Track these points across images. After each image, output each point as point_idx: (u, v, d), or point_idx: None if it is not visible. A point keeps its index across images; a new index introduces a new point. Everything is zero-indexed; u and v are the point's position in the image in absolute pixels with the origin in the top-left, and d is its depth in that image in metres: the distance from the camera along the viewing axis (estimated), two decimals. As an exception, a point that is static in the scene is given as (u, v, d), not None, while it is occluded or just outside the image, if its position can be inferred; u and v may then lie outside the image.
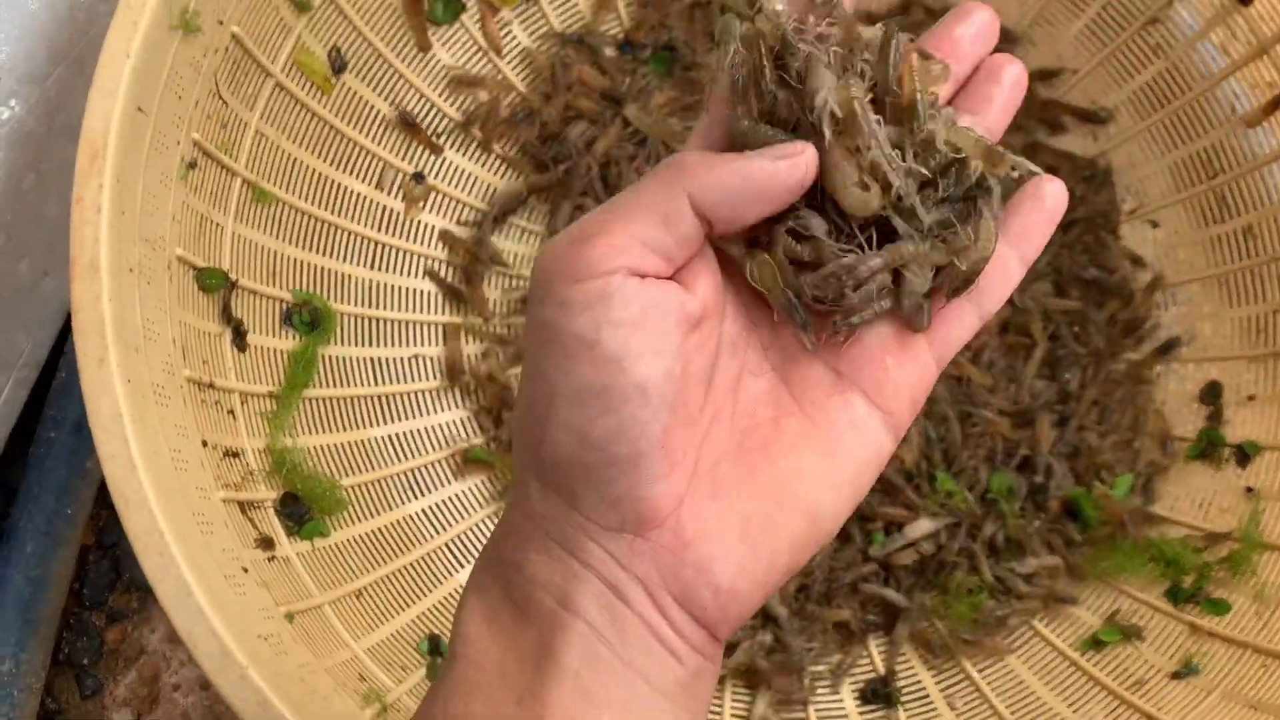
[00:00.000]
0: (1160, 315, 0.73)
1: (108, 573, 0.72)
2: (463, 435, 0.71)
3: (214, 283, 0.59)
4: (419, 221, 0.73)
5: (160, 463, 0.50)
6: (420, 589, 0.64)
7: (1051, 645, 0.66)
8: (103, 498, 0.72)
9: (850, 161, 0.31)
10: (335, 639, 0.57)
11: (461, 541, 0.68)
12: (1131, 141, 0.75)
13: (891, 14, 0.76)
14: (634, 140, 0.74)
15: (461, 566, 0.67)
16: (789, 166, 0.31)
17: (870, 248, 0.32)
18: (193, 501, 0.52)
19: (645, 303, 0.29)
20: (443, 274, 0.73)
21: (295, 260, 0.66)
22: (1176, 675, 0.61)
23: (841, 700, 0.66)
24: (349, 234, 0.69)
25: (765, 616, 0.67)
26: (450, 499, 0.69)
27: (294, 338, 0.65)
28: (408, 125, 0.71)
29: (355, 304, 0.69)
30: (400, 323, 0.71)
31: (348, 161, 0.69)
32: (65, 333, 0.70)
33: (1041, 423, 0.70)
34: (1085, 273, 0.73)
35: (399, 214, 0.72)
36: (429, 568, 0.66)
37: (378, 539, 0.64)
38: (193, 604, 0.47)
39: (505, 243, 0.75)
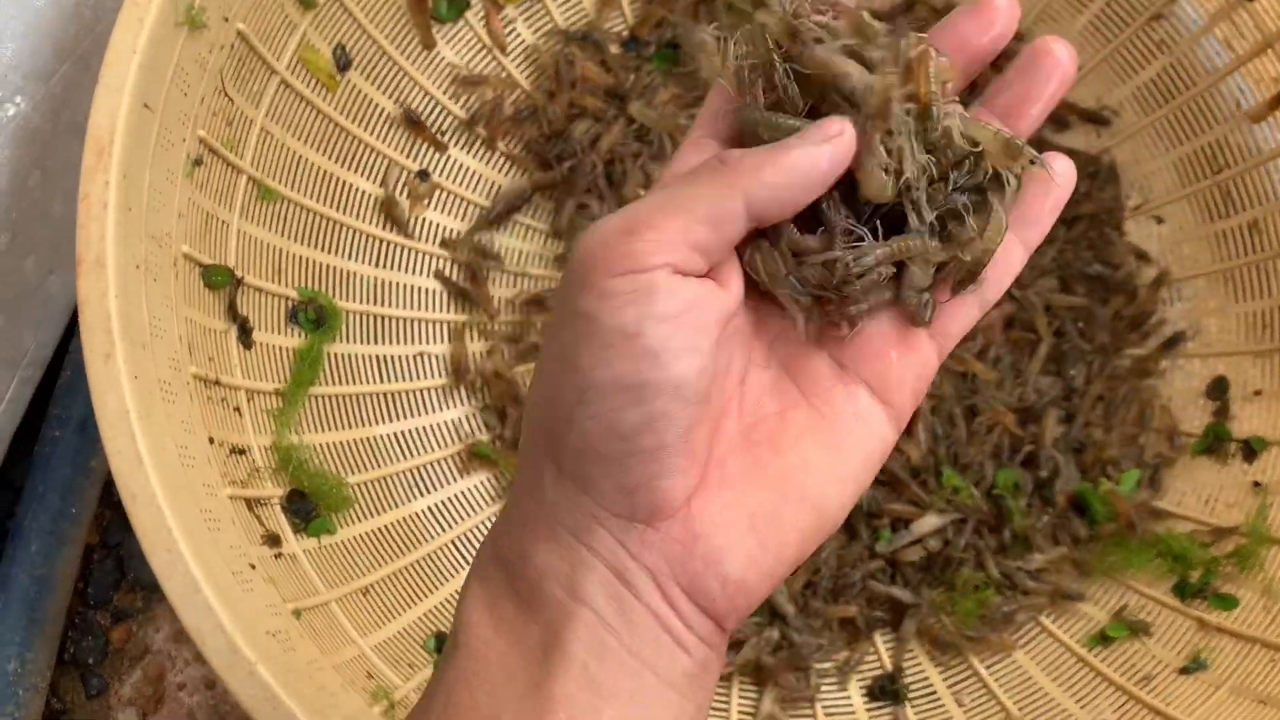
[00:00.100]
0: (1165, 311, 0.73)
1: (112, 572, 0.72)
2: (468, 432, 0.71)
3: (220, 280, 0.59)
4: (424, 219, 0.73)
5: (167, 459, 0.50)
6: (426, 586, 0.64)
7: (1059, 641, 0.66)
8: (107, 497, 0.72)
9: (878, 147, 0.31)
10: (343, 636, 0.57)
11: (467, 539, 0.68)
12: (1136, 137, 0.75)
13: (895, 12, 0.76)
14: (638, 137, 0.74)
15: (467, 564, 0.67)
16: (832, 150, 0.31)
17: (875, 239, 0.32)
18: (200, 498, 0.52)
19: (688, 299, 0.29)
20: (448, 272, 0.73)
21: (300, 258, 0.66)
22: (1185, 671, 0.61)
23: (849, 697, 0.66)
24: (354, 231, 0.69)
25: (772, 613, 0.67)
26: (456, 496, 0.69)
27: (300, 335, 0.65)
28: (412, 123, 0.71)
29: (360, 301, 0.69)
30: (405, 320, 0.71)
31: (352, 159, 0.69)
32: (70, 332, 0.70)
33: (1047, 417, 0.70)
34: (1090, 268, 0.73)
35: (404, 211, 0.72)
36: (435, 565, 0.66)
37: (384, 536, 0.64)
38: (201, 600, 0.47)
39: (509, 240, 0.75)
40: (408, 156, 0.72)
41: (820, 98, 0.33)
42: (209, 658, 0.47)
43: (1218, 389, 0.70)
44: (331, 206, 0.68)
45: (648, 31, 0.76)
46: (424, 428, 0.70)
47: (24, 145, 0.60)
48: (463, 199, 0.74)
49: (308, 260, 0.66)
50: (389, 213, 0.71)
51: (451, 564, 0.66)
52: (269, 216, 0.64)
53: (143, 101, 0.52)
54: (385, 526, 0.65)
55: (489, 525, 0.69)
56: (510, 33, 0.74)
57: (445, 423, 0.70)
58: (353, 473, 0.65)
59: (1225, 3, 0.69)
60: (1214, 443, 0.69)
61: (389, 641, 0.59)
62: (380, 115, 0.70)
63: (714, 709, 0.65)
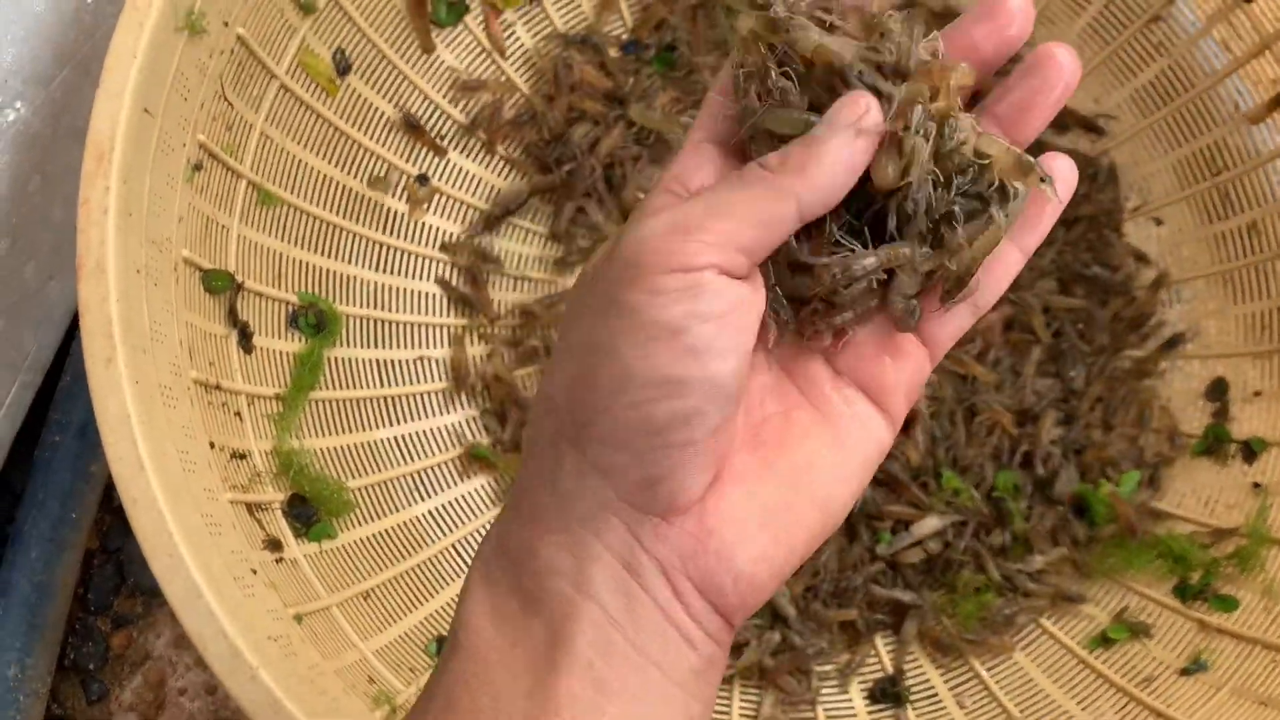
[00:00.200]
0: (1165, 312, 0.73)
1: (112, 577, 0.72)
2: (469, 436, 0.71)
3: (220, 284, 0.59)
4: (423, 223, 0.73)
5: (168, 464, 0.50)
6: (427, 590, 0.64)
7: (1060, 643, 0.66)
8: (107, 502, 0.72)
9: (893, 146, 0.31)
10: (344, 640, 0.57)
11: (468, 543, 0.68)
12: (1135, 139, 0.75)
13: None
14: (638, 140, 0.74)
15: (468, 568, 0.67)
16: (867, 134, 0.31)
17: (864, 246, 0.32)
18: (201, 503, 0.51)
19: (733, 300, 0.30)
20: (448, 276, 0.73)
21: (300, 262, 0.66)
22: (1185, 672, 0.61)
23: (850, 699, 0.66)
24: (353, 235, 0.69)
25: (774, 616, 0.67)
26: (457, 500, 0.69)
27: (300, 340, 0.65)
28: (412, 127, 0.71)
29: (360, 306, 0.69)
30: (405, 324, 0.71)
31: (352, 163, 0.69)
32: (70, 336, 0.70)
33: (1045, 417, 0.70)
34: (1089, 270, 0.73)
35: (403, 215, 0.72)
36: (436, 569, 0.66)
37: (385, 541, 0.64)
38: (202, 605, 0.47)
39: (509, 244, 0.75)
40: (407, 161, 0.72)
41: (820, 93, 0.33)
42: (210, 663, 0.47)
43: (1217, 390, 0.70)
44: (331, 210, 0.68)
45: (647, 34, 0.76)
46: (424, 432, 0.70)
47: (24, 150, 0.60)
48: (462, 203, 0.74)
49: (308, 264, 0.66)
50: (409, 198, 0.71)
51: (452, 568, 0.66)
52: (269, 221, 0.64)
53: (143, 106, 0.52)
54: (386, 531, 0.65)
55: (489, 529, 0.69)
56: (509, 36, 0.74)
57: (446, 427, 0.70)
58: (353, 477, 0.65)
59: (1223, 5, 0.69)
60: (1214, 444, 0.69)
61: (390, 646, 0.59)
62: (380, 119, 0.70)
63: (715, 712, 0.65)
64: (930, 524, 0.67)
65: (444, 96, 0.73)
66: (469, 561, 0.67)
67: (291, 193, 0.65)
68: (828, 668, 0.67)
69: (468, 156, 0.74)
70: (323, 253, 0.67)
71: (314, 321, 0.66)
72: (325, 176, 0.67)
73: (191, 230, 0.57)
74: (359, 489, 0.64)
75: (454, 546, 0.67)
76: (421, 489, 0.68)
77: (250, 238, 0.62)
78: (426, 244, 0.73)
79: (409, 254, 0.72)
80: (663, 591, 0.30)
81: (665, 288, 0.29)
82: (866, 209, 0.32)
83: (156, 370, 0.52)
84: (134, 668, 0.71)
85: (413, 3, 0.69)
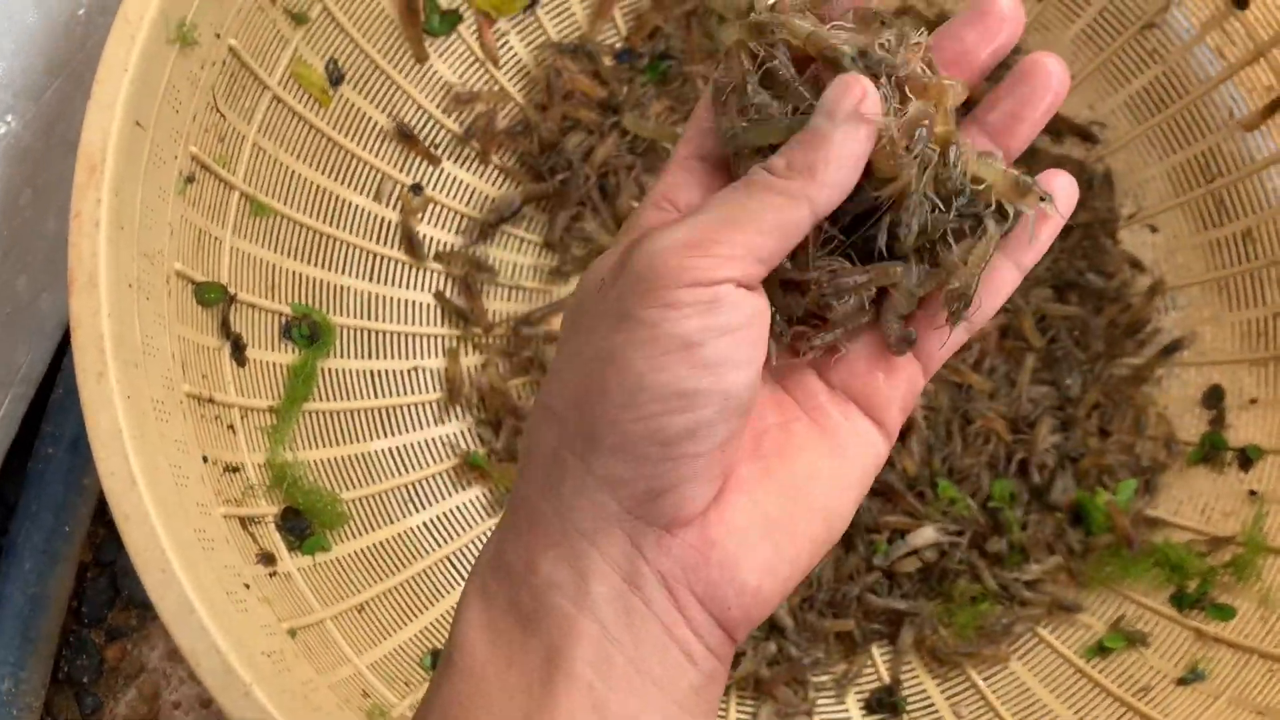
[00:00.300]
0: (1160, 319, 0.73)
1: (106, 590, 0.72)
2: (463, 447, 0.71)
3: (213, 297, 0.59)
4: (417, 233, 0.72)
5: (160, 479, 0.49)
6: (422, 603, 0.64)
7: (1057, 652, 0.65)
8: (100, 515, 0.72)
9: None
10: (338, 654, 0.56)
11: (462, 554, 0.68)
12: (1130, 146, 0.75)
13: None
14: (632, 149, 0.74)
15: (462, 580, 0.67)
16: (869, 128, 0.30)
17: (855, 261, 0.32)
18: (193, 517, 0.51)
19: (749, 313, 0.30)
20: (441, 285, 0.73)
21: (294, 273, 0.66)
22: (1182, 681, 0.61)
23: (847, 710, 0.66)
24: (347, 246, 0.69)
25: (770, 626, 0.66)
26: (451, 511, 0.69)
27: (293, 351, 0.65)
28: (405, 137, 0.71)
29: (354, 316, 0.69)
30: (399, 334, 0.71)
31: (345, 174, 0.69)
32: (63, 349, 0.70)
33: (1040, 424, 0.69)
34: (1084, 278, 0.73)
35: (397, 225, 0.72)
36: (430, 581, 0.65)
37: (379, 553, 0.64)
38: (195, 621, 0.47)
39: (502, 253, 0.74)
40: (401, 170, 0.72)
41: (811, 95, 0.32)
42: (203, 679, 0.46)
43: (1213, 398, 0.70)
44: (324, 221, 0.68)
45: (640, 43, 0.76)
46: (419, 443, 0.69)
47: (15, 163, 0.60)
48: (456, 212, 0.74)
49: (301, 275, 0.66)
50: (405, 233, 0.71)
51: (447, 579, 0.66)
52: (262, 232, 0.64)
53: (134, 119, 0.52)
54: (380, 543, 0.64)
55: (484, 540, 0.68)
56: (503, 46, 0.74)
57: (440, 437, 0.70)
58: (347, 489, 0.64)
59: (1217, 11, 0.69)
60: (1210, 451, 0.69)
61: (385, 659, 0.59)
62: (373, 129, 0.70)
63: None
64: (926, 534, 0.67)
65: (438, 106, 0.73)
66: (464, 573, 0.67)
67: (284, 204, 0.65)
68: (824, 678, 0.67)
69: (462, 166, 0.74)
70: (316, 263, 0.67)
71: (307, 333, 0.65)
72: (318, 187, 0.67)
73: (183, 242, 0.57)
74: (353, 501, 0.64)
75: (449, 558, 0.67)
76: (416, 500, 0.68)
77: (243, 249, 0.62)
78: (406, 249, 0.72)
79: (402, 264, 0.72)
80: (664, 605, 0.30)
81: (682, 302, 0.29)
82: (859, 225, 0.32)
83: (149, 384, 0.52)
84: (128, 680, 0.70)
85: (406, 13, 0.69)
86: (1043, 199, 0.32)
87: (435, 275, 0.73)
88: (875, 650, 0.68)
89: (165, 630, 0.47)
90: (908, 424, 0.69)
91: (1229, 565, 0.63)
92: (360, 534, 0.64)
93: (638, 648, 0.30)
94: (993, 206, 0.32)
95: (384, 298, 0.71)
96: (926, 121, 0.31)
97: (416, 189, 0.72)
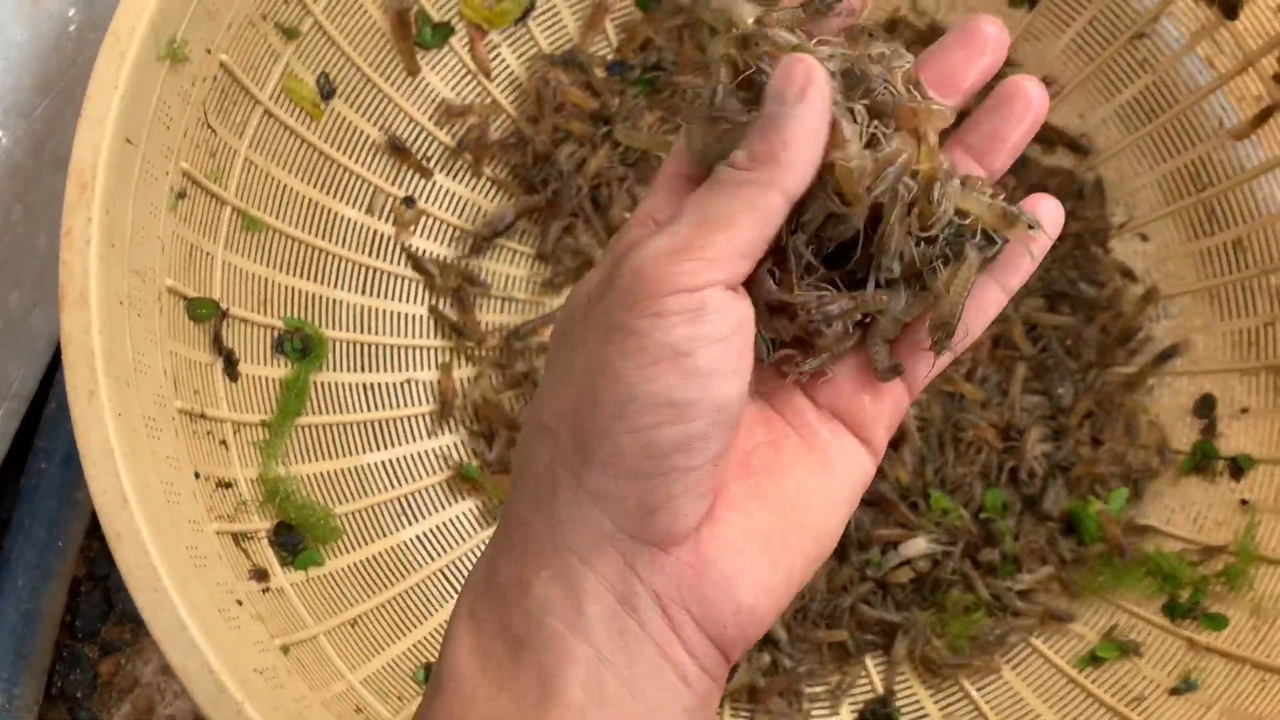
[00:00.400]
0: (1152, 328, 0.73)
1: (99, 604, 0.72)
2: (456, 459, 0.71)
3: (205, 312, 0.59)
4: (410, 245, 0.73)
5: (152, 496, 0.49)
6: (415, 616, 0.64)
7: (1050, 662, 0.66)
8: (94, 529, 0.71)
9: (849, 135, 0.31)
10: (331, 670, 0.56)
11: (456, 567, 0.68)
12: (1120, 155, 0.75)
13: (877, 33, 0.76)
14: (624, 161, 0.74)
15: (456, 593, 0.66)
16: (821, 101, 0.30)
17: (840, 287, 0.33)
18: (185, 535, 0.51)
19: (735, 321, 0.30)
20: (436, 301, 0.73)
21: (286, 287, 0.66)
22: (1175, 691, 0.61)
23: (841, 721, 0.66)
24: (339, 259, 0.69)
25: (765, 638, 0.66)
26: (444, 524, 0.69)
27: (286, 365, 0.65)
28: (397, 150, 0.71)
29: (347, 329, 0.69)
30: (392, 347, 0.71)
31: (338, 187, 0.69)
32: (55, 364, 0.70)
33: (1030, 432, 0.70)
34: (1075, 288, 0.73)
35: (389, 238, 0.72)
36: (424, 594, 0.65)
37: (372, 567, 0.64)
38: (187, 639, 0.46)
39: (495, 265, 0.75)
40: (393, 183, 0.72)
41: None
42: (195, 697, 0.46)
43: (1205, 406, 0.70)
44: (317, 235, 0.68)
45: (632, 54, 0.76)
46: (412, 455, 0.69)
47: (6, 180, 0.60)
48: (449, 224, 0.74)
49: (293, 289, 0.66)
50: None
51: (440, 593, 0.66)
52: (254, 247, 0.64)
53: (125, 136, 0.52)
54: (374, 556, 0.64)
55: (478, 553, 0.68)
56: (495, 58, 0.74)
57: (433, 450, 0.70)
58: (340, 503, 0.64)
59: (1206, 22, 0.69)
60: (1202, 461, 0.69)
61: (378, 674, 0.59)
62: (365, 143, 0.70)
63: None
64: (918, 545, 0.67)
65: (430, 119, 0.73)
66: (458, 586, 0.67)
67: (276, 218, 0.65)
68: (818, 689, 0.67)
69: (454, 178, 0.74)
70: (308, 277, 0.67)
71: (300, 346, 0.65)
72: (310, 201, 0.67)
73: (175, 258, 0.57)
74: (346, 515, 0.64)
75: (442, 571, 0.67)
76: (409, 513, 0.68)
77: (235, 264, 0.62)
78: (413, 266, 0.72)
79: (395, 276, 0.72)
80: (659, 626, 0.30)
81: (669, 310, 0.29)
82: (845, 252, 0.32)
83: (140, 401, 0.52)
84: (122, 695, 0.70)
85: (397, 26, 0.69)
86: (1031, 227, 0.32)
87: (429, 288, 0.73)
88: (869, 661, 0.68)
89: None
90: (901, 434, 0.69)
91: (1221, 574, 0.64)
92: (353, 548, 0.64)
93: (631, 670, 0.30)
94: (978, 235, 0.32)
95: (376, 310, 0.71)
96: (901, 159, 0.31)
97: (409, 201, 0.72)
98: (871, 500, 0.68)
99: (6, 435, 0.67)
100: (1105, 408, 0.71)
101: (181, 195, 0.57)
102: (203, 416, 0.57)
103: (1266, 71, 0.67)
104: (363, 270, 0.70)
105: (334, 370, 0.68)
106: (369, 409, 0.69)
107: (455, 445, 0.71)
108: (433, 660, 0.62)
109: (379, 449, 0.68)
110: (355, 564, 0.63)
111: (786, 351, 0.33)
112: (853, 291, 0.32)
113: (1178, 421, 0.71)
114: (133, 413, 0.50)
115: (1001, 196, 0.32)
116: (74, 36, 0.62)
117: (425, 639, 0.63)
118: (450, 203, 0.74)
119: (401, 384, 0.70)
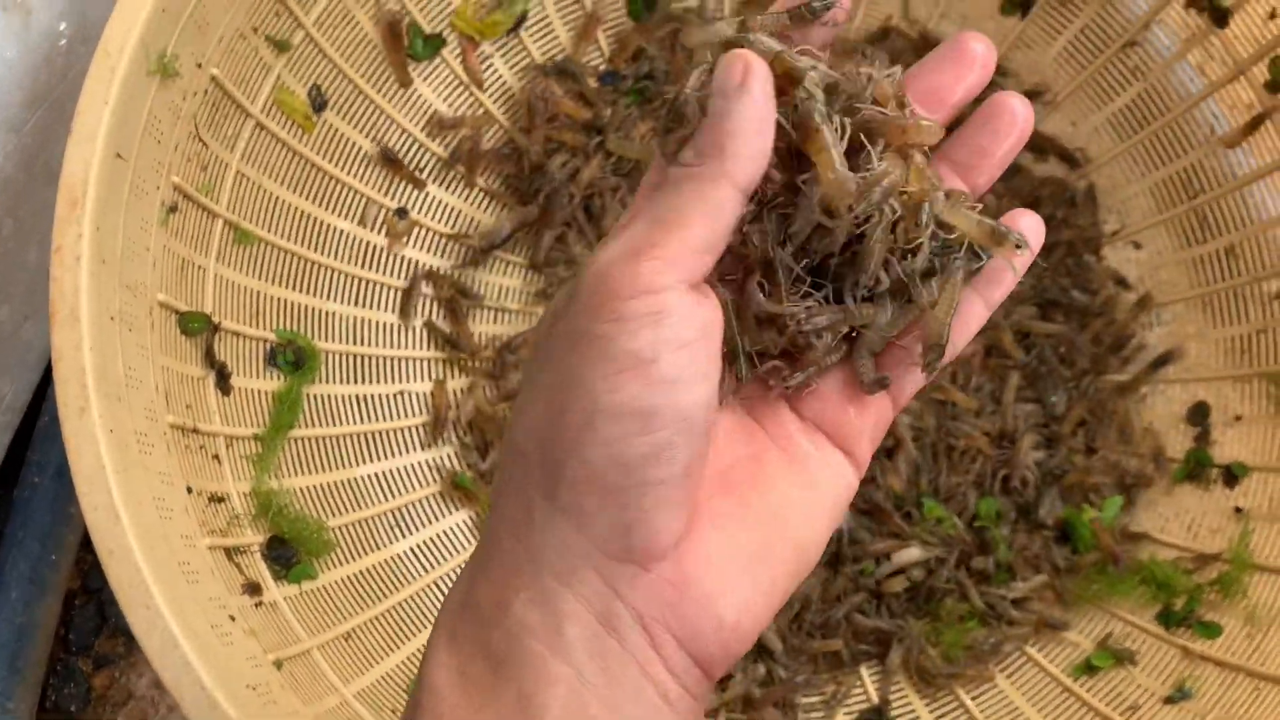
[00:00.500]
0: (1145, 335, 0.73)
1: (93, 618, 0.71)
2: (450, 471, 0.70)
3: (197, 326, 0.59)
4: (402, 256, 0.72)
5: (144, 512, 0.49)
6: (409, 629, 0.64)
7: (1045, 671, 0.65)
8: (88, 542, 0.71)
9: (830, 144, 0.31)
10: (325, 684, 0.56)
11: (450, 580, 0.67)
12: (1112, 163, 0.75)
13: (870, 41, 0.76)
14: (616, 171, 0.74)
15: (434, 622, 0.66)
16: (762, 89, 0.30)
17: (827, 300, 0.33)
18: (178, 550, 0.51)
19: (699, 326, 0.29)
20: (426, 309, 0.73)
21: (278, 300, 0.66)
22: (1170, 700, 0.61)
23: (836, 731, 0.66)
24: (332, 271, 0.69)
25: (760, 649, 0.66)
26: (438, 536, 0.69)
27: (278, 378, 0.65)
28: (390, 161, 0.71)
29: (340, 341, 0.69)
30: (385, 359, 0.71)
31: (330, 199, 0.69)
32: (47, 377, 0.70)
33: (1023, 439, 0.70)
34: (1068, 295, 0.73)
35: (382, 249, 0.72)
36: (418, 607, 0.65)
37: (366, 579, 0.64)
38: (179, 656, 0.46)
39: (488, 275, 0.74)
40: (386, 195, 0.72)
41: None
42: (188, 713, 0.46)
43: (1198, 414, 0.70)
44: (309, 247, 0.68)
45: (624, 64, 0.76)
46: (405, 467, 0.69)
47: (-3, 195, 0.60)
48: (442, 235, 0.74)
49: (286, 302, 0.66)
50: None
51: (434, 605, 0.66)
52: (246, 260, 0.63)
53: (115, 151, 0.52)
54: (367, 569, 0.64)
55: (455, 581, 0.68)
56: (487, 69, 0.74)
57: (427, 462, 0.70)
58: (333, 516, 0.64)
59: (1197, 29, 0.69)
60: (1195, 468, 0.69)
61: (371, 688, 0.59)
62: (357, 154, 0.70)
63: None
64: (912, 553, 0.67)
65: (422, 130, 0.73)
66: (451, 598, 0.66)
67: (268, 230, 0.65)
68: (814, 699, 0.67)
69: (447, 189, 0.74)
70: (301, 289, 0.67)
71: (292, 359, 0.65)
72: (302, 213, 0.67)
73: (166, 273, 0.57)
74: (339, 527, 0.64)
75: (436, 583, 0.67)
76: (402, 525, 0.68)
77: (227, 277, 0.62)
78: (406, 277, 0.72)
79: (388, 287, 0.72)
80: (640, 644, 0.30)
81: (631, 313, 0.29)
82: (832, 267, 0.32)
83: (132, 417, 0.52)
84: (116, 708, 0.70)
85: (389, 38, 0.69)
86: (1019, 246, 0.32)
87: (423, 299, 0.73)
88: (864, 670, 0.68)
89: (152, 661, 0.47)
90: (895, 442, 0.69)
91: (1215, 582, 0.64)
92: (347, 561, 0.63)
93: (612, 690, 0.29)
94: (963, 251, 0.32)
95: (369, 322, 0.71)
96: (889, 179, 0.31)
97: (401, 213, 0.72)
98: (865, 509, 0.68)
99: (0, 448, 0.67)
100: (1098, 415, 0.71)
101: (173, 209, 0.57)
102: (195, 431, 0.57)
103: (1257, 79, 0.67)
104: (355, 282, 0.70)
105: (327, 382, 0.67)
106: (362, 421, 0.68)
107: (449, 456, 0.71)
108: (427, 673, 0.62)
109: (372, 461, 0.68)
110: (349, 577, 0.63)
111: (774, 364, 0.33)
112: (840, 305, 0.32)
113: (1171, 429, 0.71)
114: (124, 429, 0.50)
115: (978, 209, 0.32)
116: (64, 50, 0.62)
117: (419, 652, 0.63)
118: (443, 213, 0.74)
119: (395, 395, 0.70)
